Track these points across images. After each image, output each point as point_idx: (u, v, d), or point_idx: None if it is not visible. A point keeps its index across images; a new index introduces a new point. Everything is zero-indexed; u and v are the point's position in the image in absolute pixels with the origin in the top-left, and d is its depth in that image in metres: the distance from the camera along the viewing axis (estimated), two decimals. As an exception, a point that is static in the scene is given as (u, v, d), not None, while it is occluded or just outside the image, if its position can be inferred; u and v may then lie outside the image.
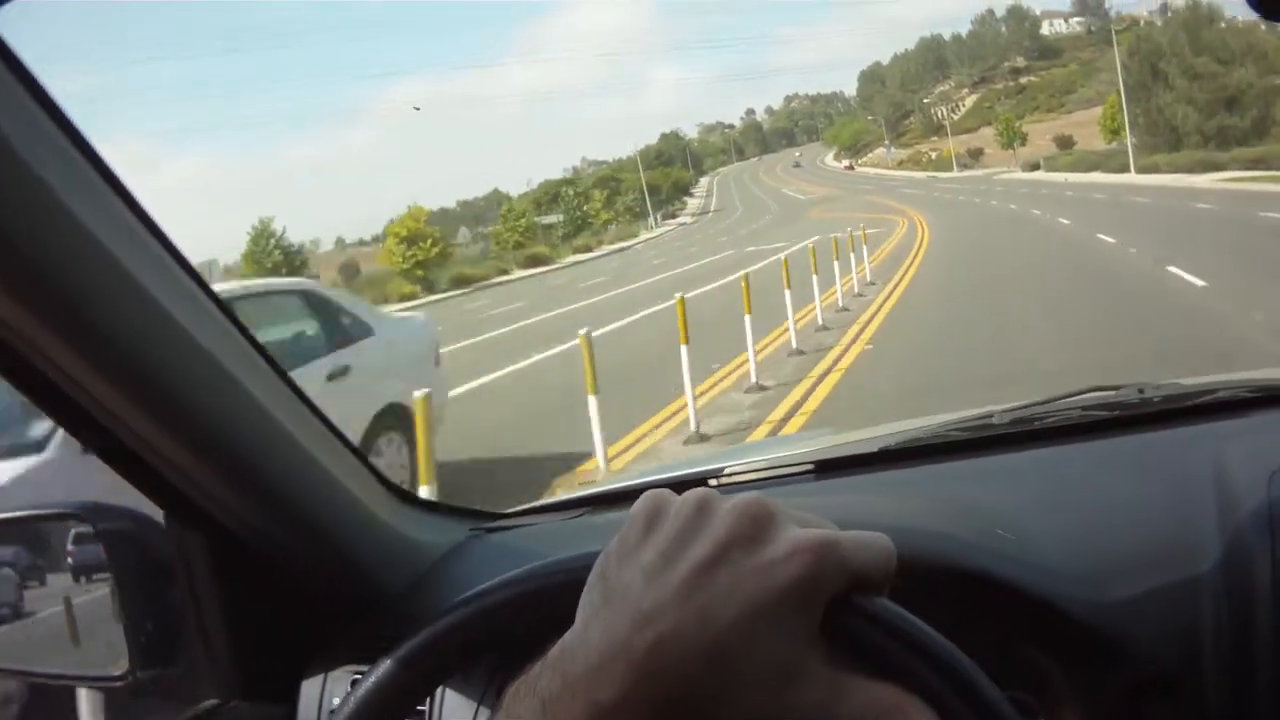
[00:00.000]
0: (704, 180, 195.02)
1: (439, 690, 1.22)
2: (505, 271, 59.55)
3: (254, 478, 1.13)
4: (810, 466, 1.57)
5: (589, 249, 75.23)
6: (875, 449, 1.57)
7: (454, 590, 1.24)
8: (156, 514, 1.18)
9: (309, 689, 1.28)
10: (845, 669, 0.64)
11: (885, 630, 0.66)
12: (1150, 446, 1.41)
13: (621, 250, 69.09)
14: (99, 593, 1.20)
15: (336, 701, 1.24)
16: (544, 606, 1.00)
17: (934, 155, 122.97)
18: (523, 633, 1.02)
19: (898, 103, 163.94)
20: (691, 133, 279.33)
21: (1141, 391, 1.57)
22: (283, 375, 1.17)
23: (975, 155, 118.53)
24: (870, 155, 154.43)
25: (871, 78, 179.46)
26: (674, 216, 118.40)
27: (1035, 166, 72.73)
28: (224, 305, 1.08)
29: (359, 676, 1.16)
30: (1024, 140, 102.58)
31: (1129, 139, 52.96)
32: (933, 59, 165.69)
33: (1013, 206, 37.52)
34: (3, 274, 0.90)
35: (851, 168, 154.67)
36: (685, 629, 0.61)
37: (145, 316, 0.98)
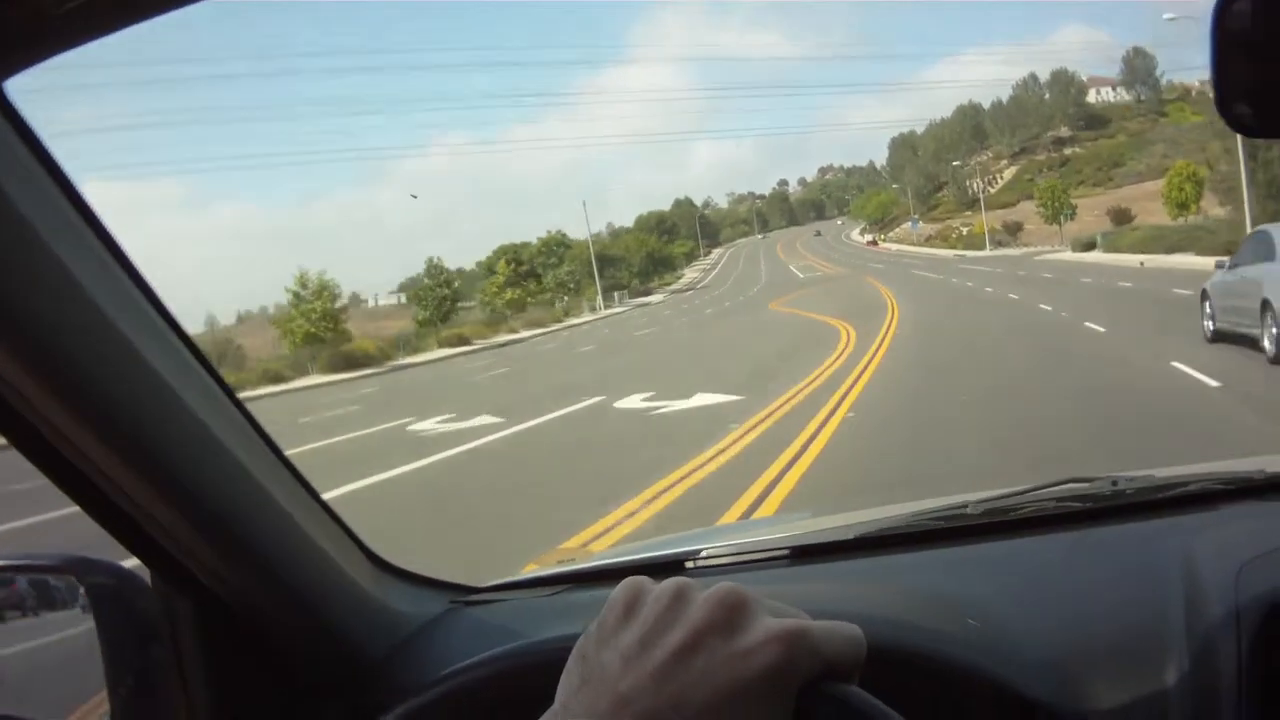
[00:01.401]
0: (716, 252, 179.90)
1: None
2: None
3: (239, 542, 1.20)
4: (786, 552, 1.63)
5: (466, 339, 62.73)
6: (851, 536, 1.63)
7: (432, 662, 1.34)
8: (144, 572, 1.25)
9: None
10: None
11: (854, 716, 0.68)
12: (1122, 539, 1.48)
13: (514, 342, 59.00)
14: (82, 646, 1.26)
15: None
16: (523, 685, 1.03)
17: (965, 231, 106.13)
18: (501, 710, 1.05)
19: (930, 173, 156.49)
20: (722, 202, 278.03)
21: (1115, 484, 1.63)
22: (270, 443, 1.25)
23: (1013, 230, 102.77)
24: (898, 230, 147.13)
25: (903, 145, 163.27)
26: (648, 294, 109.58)
27: (1089, 245, 55.56)
28: (215, 372, 1.16)
29: None
30: (1072, 214, 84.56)
31: (1246, 209, 33.92)
32: (970, 127, 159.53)
33: (1096, 328, 18.75)
34: (2, 333, 0.92)
35: (875, 243, 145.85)
36: (661, 712, 0.64)
37: (136, 377, 1.04)
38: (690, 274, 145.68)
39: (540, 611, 1.56)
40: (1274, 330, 11.96)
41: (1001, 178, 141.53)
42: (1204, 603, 1.19)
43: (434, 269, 77.33)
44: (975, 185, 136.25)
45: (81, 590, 1.26)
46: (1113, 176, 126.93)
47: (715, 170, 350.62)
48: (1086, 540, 1.49)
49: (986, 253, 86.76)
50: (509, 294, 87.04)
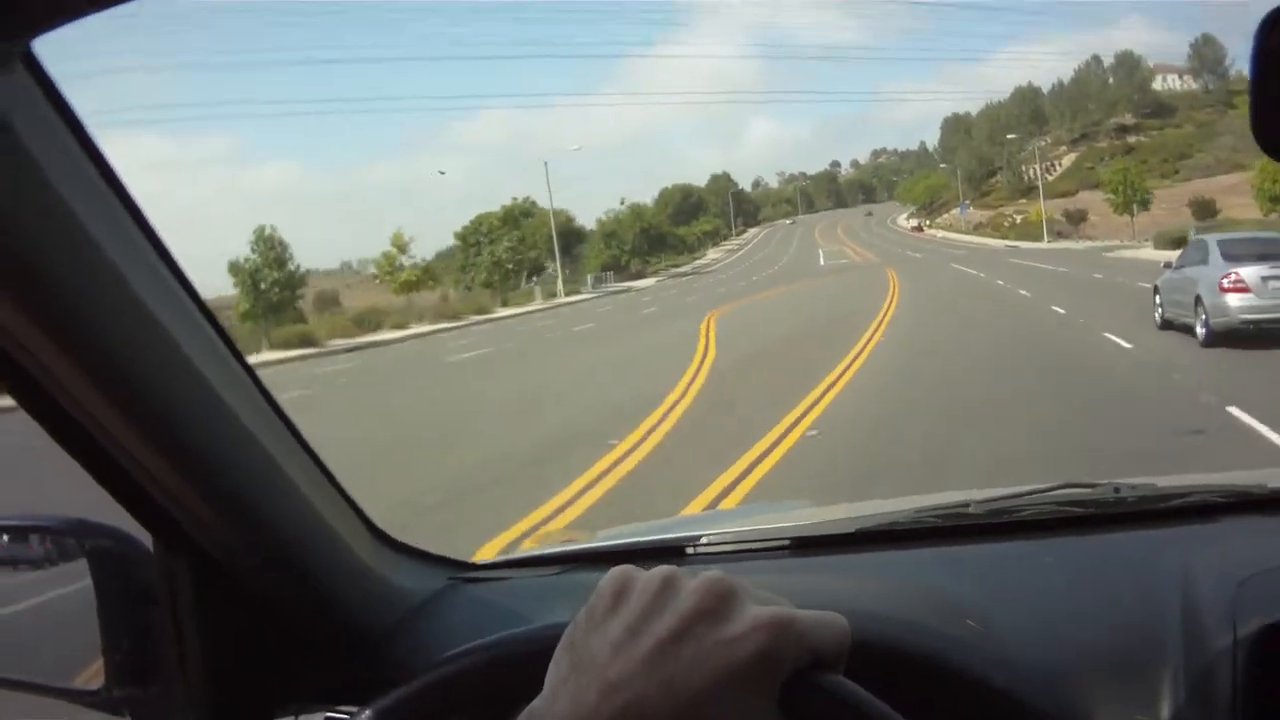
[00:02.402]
0: (751, 232, 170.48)
1: None
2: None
3: (242, 509, 1.23)
4: (787, 542, 1.66)
5: (314, 340, 46.43)
6: (852, 529, 1.67)
7: (429, 640, 1.39)
8: (144, 536, 1.28)
9: None
10: None
11: (840, 705, 0.70)
12: (1121, 547, 1.51)
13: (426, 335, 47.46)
14: (82, 609, 1.30)
15: None
16: (517, 672, 1.03)
17: (1018, 219, 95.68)
18: (493, 696, 1.07)
19: (983, 156, 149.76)
20: (773, 182, 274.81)
21: (1117, 491, 1.67)
22: (278, 410, 1.27)
23: (1076, 220, 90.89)
24: (947, 215, 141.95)
25: (956, 126, 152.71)
26: (638, 277, 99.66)
27: (1179, 242, 45.57)
28: (227, 337, 1.19)
29: (333, 717, 1.31)
30: (1146, 203, 72.95)
31: None
32: (1028, 111, 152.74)
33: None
34: (12, 286, 0.95)
35: (919, 229, 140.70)
36: (650, 699, 0.66)
37: (149, 339, 1.06)
38: (713, 254, 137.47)
39: (539, 592, 1.59)
40: (1204, 319, 15.54)
41: (1060, 164, 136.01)
42: (1202, 617, 1.21)
43: (263, 241, 54.06)
44: (1032, 171, 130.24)
45: (82, 552, 1.30)
46: (1179, 169, 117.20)
47: (770, 149, 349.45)
48: (1086, 547, 1.52)
49: (1044, 245, 76.30)
50: (405, 275, 65.16)
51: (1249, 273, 15.28)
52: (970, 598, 1.35)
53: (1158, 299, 18.36)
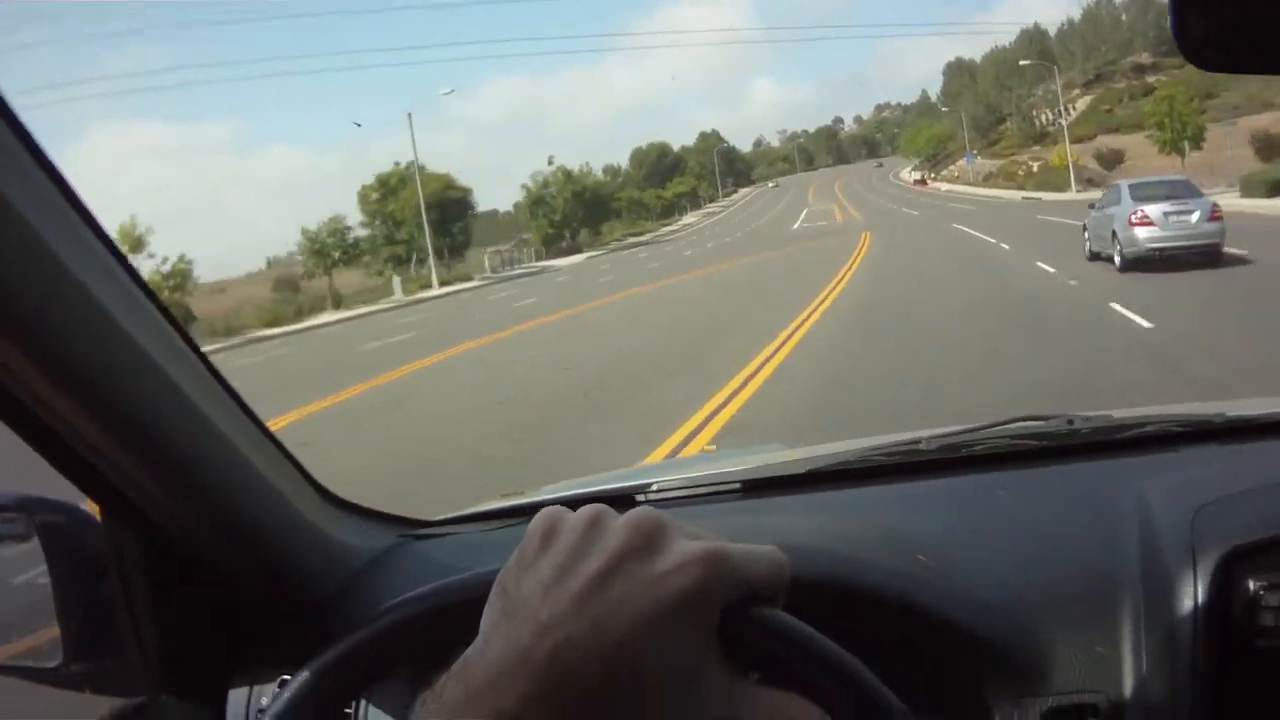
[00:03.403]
0: (743, 192, 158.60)
1: (362, 701, 1.33)
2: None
3: (186, 476, 1.25)
4: (737, 485, 1.70)
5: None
6: (803, 470, 1.69)
7: (380, 597, 1.40)
8: (93, 510, 1.32)
9: (237, 691, 1.41)
10: (742, 678, 0.70)
11: (779, 638, 0.70)
12: (1076, 478, 1.54)
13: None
14: (35, 586, 1.33)
15: (265, 702, 1.38)
16: (455, 620, 1.03)
17: (1035, 167, 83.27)
18: (434, 645, 1.07)
19: (991, 103, 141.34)
20: (774, 141, 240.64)
21: (1070, 423, 1.70)
22: (218, 375, 1.30)
23: (1110, 162, 76.84)
24: (954, 167, 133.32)
25: (959, 71, 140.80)
26: (572, 252, 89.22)
27: (1276, 188, 33.43)
28: (161, 304, 1.21)
29: (286, 679, 1.32)
30: (1198, 139, 59.97)
31: None
32: (1035, 52, 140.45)
33: None
34: None
35: (923, 182, 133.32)
36: (582, 638, 0.67)
37: (84, 313, 1.08)
38: (690, 218, 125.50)
39: (487, 545, 1.63)
40: (1119, 250, 19.73)
41: (1074, 108, 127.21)
42: (1160, 546, 1.22)
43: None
44: (1044, 117, 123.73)
45: (32, 528, 1.33)
46: (1205, 109, 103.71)
47: (773, 109, 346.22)
48: (1040, 479, 1.54)
49: (1072, 195, 61.76)
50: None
51: (1153, 210, 19.18)
52: (924, 533, 1.36)
53: (1085, 236, 22.68)
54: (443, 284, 59.63)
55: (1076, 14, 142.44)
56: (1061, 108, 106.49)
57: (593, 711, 0.66)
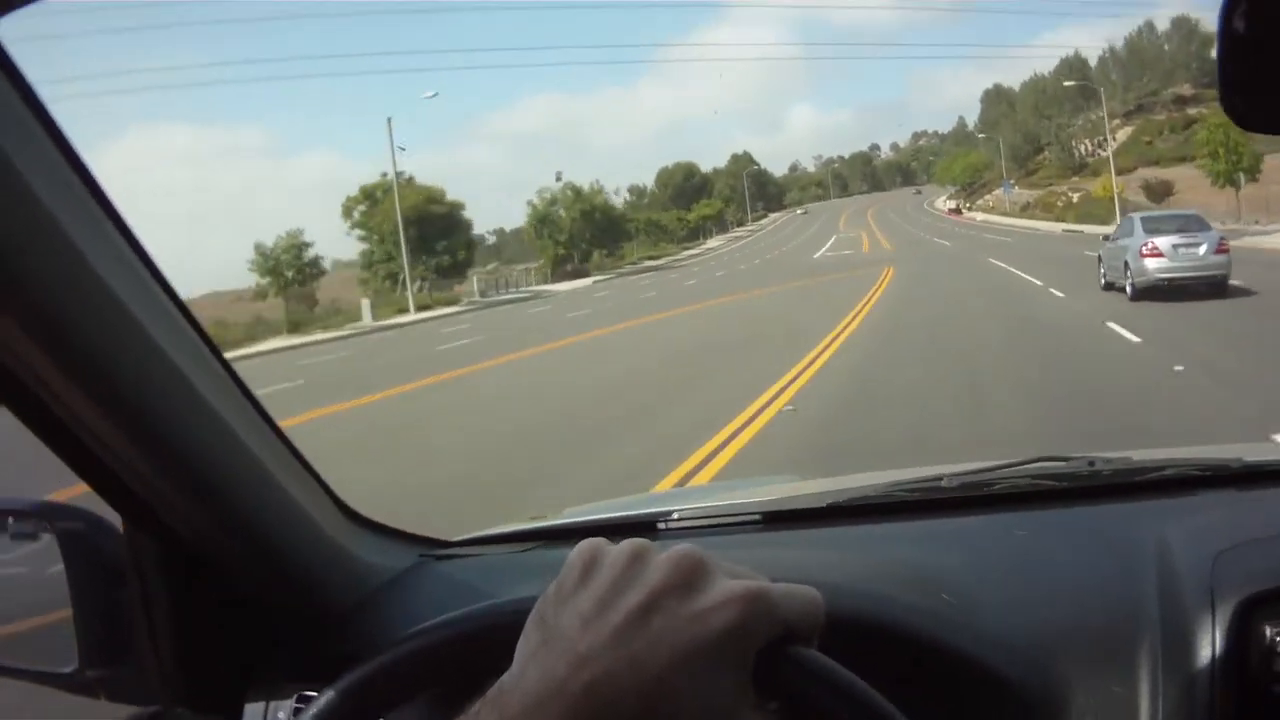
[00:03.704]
0: (773, 216, 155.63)
1: None
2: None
3: (209, 489, 1.26)
4: (758, 517, 1.70)
5: None
6: (824, 504, 1.70)
7: (399, 616, 1.42)
8: (114, 517, 1.34)
9: (253, 705, 1.42)
10: (775, 717, 0.71)
11: (813, 678, 0.71)
12: (1096, 520, 1.54)
13: None
14: (54, 592, 1.34)
15: (281, 716, 1.39)
16: (483, 646, 1.06)
17: (1074, 198, 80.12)
18: (461, 671, 1.08)
19: (1029, 132, 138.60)
20: (810, 166, 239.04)
21: (1091, 464, 1.70)
22: (247, 391, 1.32)
23: (1159, 195, 73.15)
24: (990, 196, 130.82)
25: (997, 99, 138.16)
26: (577, 276, 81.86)
27: None
28: (193, 318, 1.23)
29: (305, 696, 1.34)
30: (1254, 171, 56.33)
31: None
32: (1076, 81, 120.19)
33: None
34: None
35: (957, 211, 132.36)
36: (619, 672, 0.67)
37: (117, 324, 1.10)
38: (714, 242, 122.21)
39: (509, 568, 1.63)
40: (1130, 280, 20.86)
41: (1114, 139, 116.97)
42: (1179, 590, 1.24)
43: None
44: (1083, 147, 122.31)
45: (52, 535, 1.35)
46: (1247, 139, 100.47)
47: (810, 134, 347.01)
48: (1061, 519, 1.55)
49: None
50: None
51: (1163, 242, 20.31)
52: (944, 571, 1.37)
53: (1101, 267, 24.01)
54: (422, 308, 55.12)
55: (1118, 42, 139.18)
56: (1107, 135, 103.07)
57: None
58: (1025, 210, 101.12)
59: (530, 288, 72.31)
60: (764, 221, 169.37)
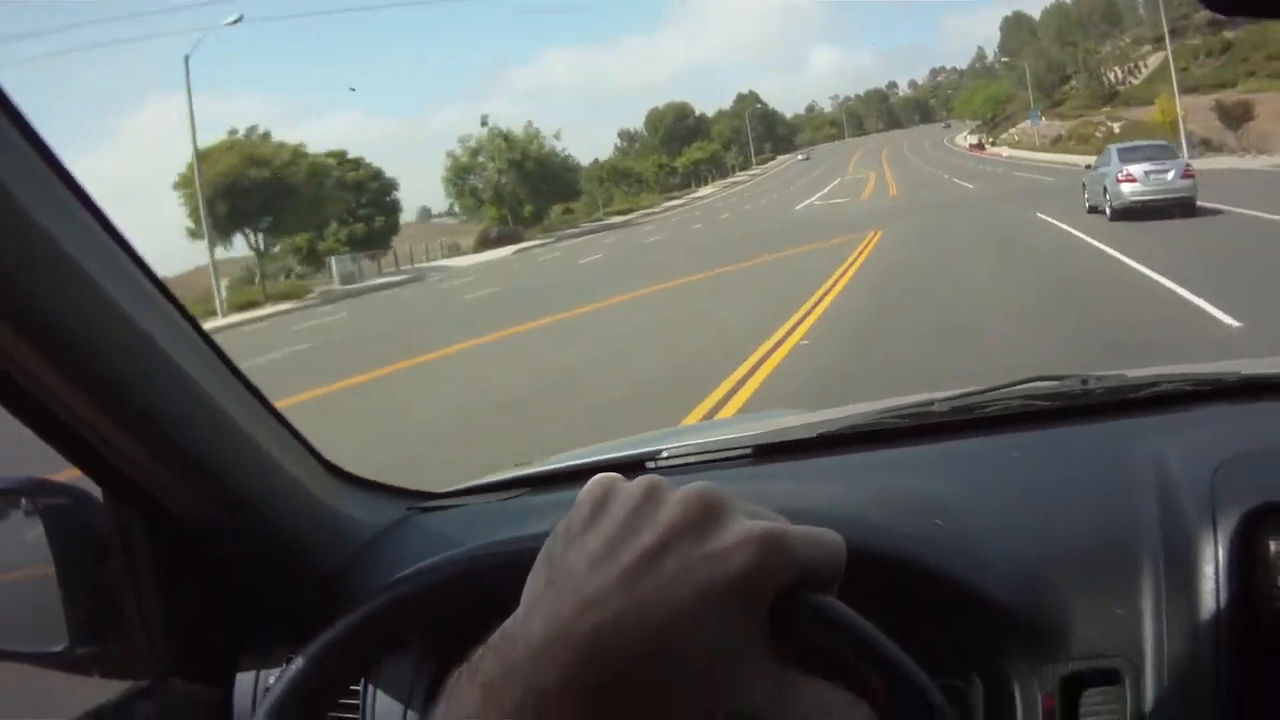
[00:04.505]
0: (782, 158, 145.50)
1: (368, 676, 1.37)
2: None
3: (188, 454, 1.27)
4: (749, 450, 1.70)
5: None
6: (814, 434, 1.70)
7: (389, 570, 1.38)
8: (96, 491, 1.35)
9: (245, 669, 1.44)
10: (790, 665, 0.69)
11: (832, 629, 0.70)
12: (1091, 438, 1.55)
13: None
14: (38, 569, 1.35)
15: (272, 680, 1.38)
16: (477, 589, 1.07)
17: (1115, 128, 70.18)
18: (456, 615, 1.08)
19: (1053, 61, 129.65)
20: (826, 106, 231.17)
21: (1084, 382, 1.71)
22: (217, 350, 1.33)
23: (1237, 118, 61.78)
24: (1016, 129, 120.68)
25: (1017, 25, 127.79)
26: (509, 240, 70.86)
27: None
28: (159, 282, 1.23)
29: (294, 659, 1.36)
30: None
31: None
32: (1101, 5, 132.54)
33: None
34: None
35: (980, 147, 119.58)
36: (627, 616, 0.65)
37: (80, 291, 1.09)
38: (709, 190, 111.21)
39: (498, 516, 1.64)
40: (1109, 203, 24.49)
41: (1144, 66, 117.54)
42: (1178, 506, 1.23)
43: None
44: (1112, 75, 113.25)
45: (35, 511, 1.35)
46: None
47: (829, 75, 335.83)
48: (1055, 440, 1.54)
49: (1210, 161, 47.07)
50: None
51: (1136, 169, 23.80)
52: (937, 496, 1.36)
53: (1084, 192, 27.88)
54: (241, 308, 44.26)
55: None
56: (1121, 72, 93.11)
57: (634, 689, 0.64)
58: (1057, 143, 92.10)
59: (431, 263, 62.57)
60: (769, 165, 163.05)
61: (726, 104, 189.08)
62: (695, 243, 40.89)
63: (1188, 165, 24.68)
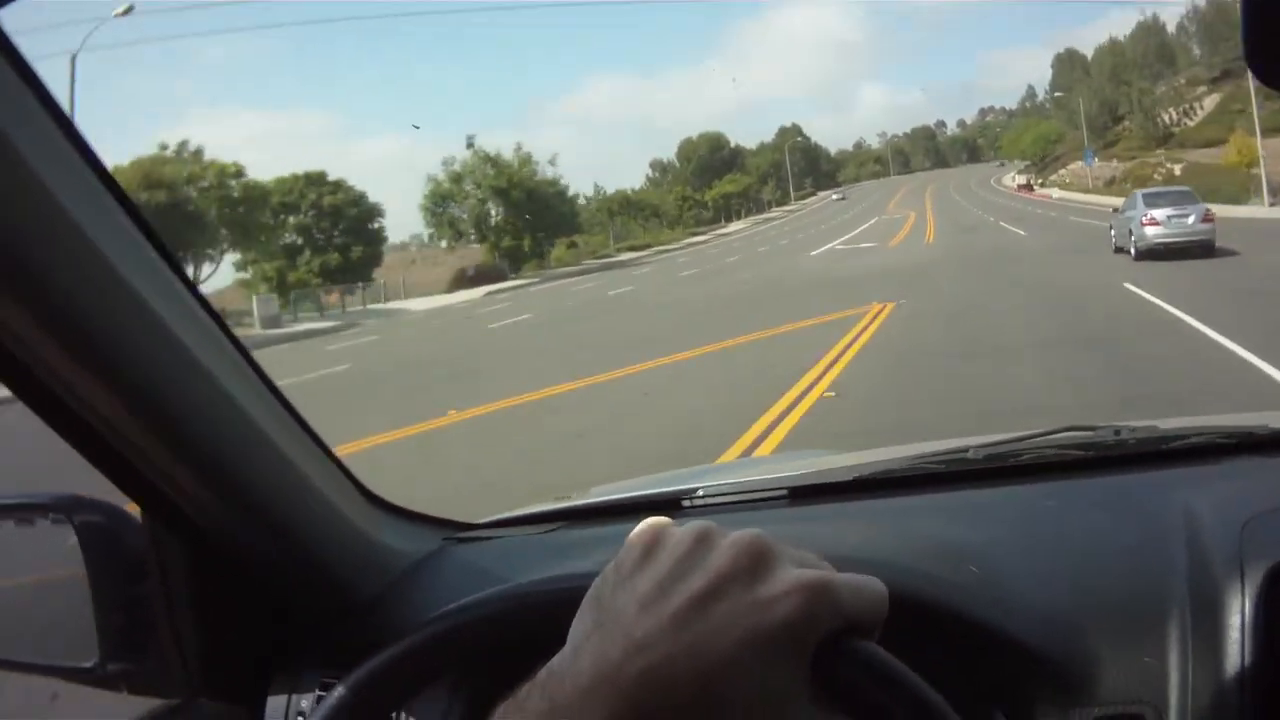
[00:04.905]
0: (821, 195, 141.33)
1: (402, 713, 1.38)
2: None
3: (229, 478, 1.29)
4: (784, 492, 1.71)
5: None
6: (850, 478, 1.72)
7: (425, 600, 1.44)
8: (133, 508, 1.38)
9: (276, 692, 1.45)
10: (833, 709, 0.71)
11: (875, 677, 0.71)
12: (1124, 488, 1.57)
13: None
14: (74, 585, 1.38)
15: (305, 706, 1.42)
16: (517, 626, 1.09)
17: (1176, 170, 66.01)
18: (497, 651, 1.11)
19: (1106, 100, 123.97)
20: (874, 143, 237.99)
21: (1117, 433, 1.73)
22: (264, 377, 1.35)
23: None
24: (1066, 170, 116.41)
25: (1069, 63, 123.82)
26: (489, 280, 63.16)
27: None
28: (210, 307, 1.26)
29: (327, 686, 1.36)
30: None
31: None
32: (1154, 45, 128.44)
33: None
34: None
35: (1029, 188, 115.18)
36: (676, 660, 0.66)
37: (131, 315, 1.12)
38: (737, 226, 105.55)
39: (534, 549, 1.65)
40: (1134, 244, 26.39)
41: (1200, 108, 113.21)
42: (1207, 559, 1.26)
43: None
44: (1170, 116, 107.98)
45: (73, 528, 1.37)
46: None
47: (879, 113, 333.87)
48: (1088, 489, 1.56)
49: (1266, 211, 43.09)
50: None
51: (1159, 213, 25.73)
52: (971, 543, 1.39)
53: (1111, 233, 30.01)
54: None
55: (1201, 1, 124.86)
56: (1177, 113, 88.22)
57: None
58: (1111, 185, 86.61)
59: (390, 304, 55.89)
60: (808, 201, 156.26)
61: (768, 136, 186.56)
62: (662, 300, 32.07)
63: (1207, 210, 26.45)
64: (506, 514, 1.80)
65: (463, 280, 62.62)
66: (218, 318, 1.23)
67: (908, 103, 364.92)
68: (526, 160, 74.79)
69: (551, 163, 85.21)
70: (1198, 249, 24.95)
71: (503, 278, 63.94)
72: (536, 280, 61.40)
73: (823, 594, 0.69)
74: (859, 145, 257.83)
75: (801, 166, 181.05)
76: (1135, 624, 1.21)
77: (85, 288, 1.04)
